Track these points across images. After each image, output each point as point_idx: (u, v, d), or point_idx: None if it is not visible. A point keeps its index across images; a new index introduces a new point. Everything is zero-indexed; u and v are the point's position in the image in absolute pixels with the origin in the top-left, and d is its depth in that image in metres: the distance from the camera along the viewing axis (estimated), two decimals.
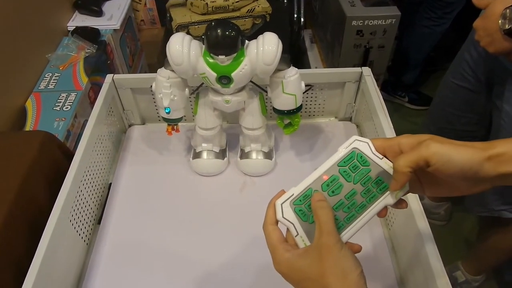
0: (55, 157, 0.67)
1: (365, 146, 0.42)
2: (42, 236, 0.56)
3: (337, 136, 0.88)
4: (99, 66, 1.07)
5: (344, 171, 0.41)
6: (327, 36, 1.56)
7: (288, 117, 0.71)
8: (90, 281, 0.64)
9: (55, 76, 0.97)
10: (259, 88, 0.71)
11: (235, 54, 0.59)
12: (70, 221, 0.63)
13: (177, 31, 1.37)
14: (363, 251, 0.41)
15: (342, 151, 0.42)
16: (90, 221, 0.71)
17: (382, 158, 0.41)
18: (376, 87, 0.81)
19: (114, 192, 0.77)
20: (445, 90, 1.03)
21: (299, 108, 0.69)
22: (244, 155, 0.77)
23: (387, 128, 0.72)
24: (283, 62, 0.63)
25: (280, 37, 1.31)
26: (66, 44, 1.08)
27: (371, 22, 1.25)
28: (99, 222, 0.73)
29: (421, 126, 1.19)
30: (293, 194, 0.41)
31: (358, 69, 0.83)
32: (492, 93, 0.88)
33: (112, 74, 0.82)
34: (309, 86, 0.70)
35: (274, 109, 0.70)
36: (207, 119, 0.72)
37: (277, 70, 0.63)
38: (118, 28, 1.22)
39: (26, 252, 0.51)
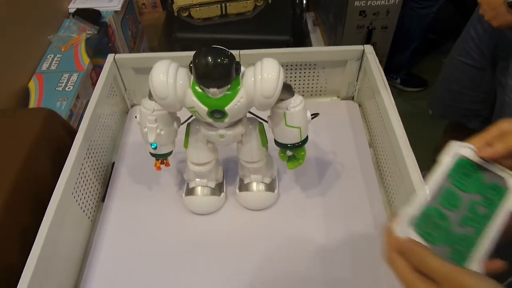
0: (58, 134, 0.67)
1: (469, 151, 0.38)
2: (47, 210, 0.56)
3: (339, 115, 0.88)
4: (100, 48, 1.07)
5: (457, 181, 0.37)
6: (329, 18, 1.55)
7: (291, 150, 0.62)
8: (95, 257, 0.65)
9: (57, 57, 0.97)
10: (258, 119, 0.62)
11: (228, 86, 0.50)
12: (74, 197, 0.64)
13: (178, 13, 1.36)
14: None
15: (446, 160, 0.38)
16: (94, 198, 0.72)
17: (489, 161, 0.38)
18: (379, 65, 0.81)
19: (117, 171, 0.78)
20: (450, 68, 1.02)
21: (304, 141, 0.61)
22: (244, 186, 0.69)
23: (390, 106, 0.71)
24: (285, 90, 0.54)
25: (282, 19, 1.32)
26: (68, 26, 1.08)
27: (374, 3, 1.24)
28: (103, 199, 0.74)
29: (426, 105, 1.19)
30: (411, 215, 0.36)
31: (360, 47, 0.82)
32: (496, 69, 0.87)
33: (114, 54, 0.82)
34: (314, 115, 0.61)
35: (275, 141, 0.62)
36: (200, 153, 0.63)
37: (279, 100, 0.54)
38: (119, 9, 1.22)
39: (32, 226, 0.52)
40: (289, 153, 0.64)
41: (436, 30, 1.87)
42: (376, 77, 0.77)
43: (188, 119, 0.62)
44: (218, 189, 0.70)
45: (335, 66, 0.86)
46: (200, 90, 0.50)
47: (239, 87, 0.51)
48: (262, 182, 0.68)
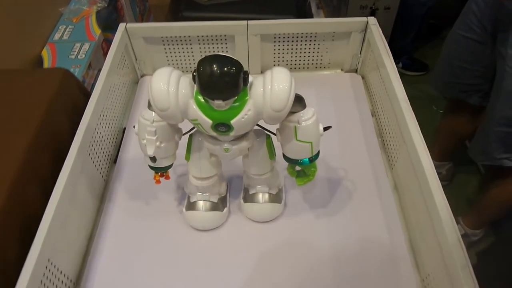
0: (74, 94, 0.70)
1: None
2: (65, 163, 0.59)
3: (343, 87, 0.90)
4: (110, 23, 1.09)
5: None
6: (333, 1, 1.57)
7: (301, 166, 0.58)
8: (108, 214, 0.68)
9: (69, 28, 1.00)
10: (266, 131, 0.58)
11: (235, 97, 0.46)
12: (89, 154, 0.67)
13: None
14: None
15: None
16: (107, 159, 0.75)
17: None
18: (383, 36, 0.83)
19: (128, 136, 0.81)
20: (451, 43, 1.05)
21: (316, 156, 0.56)
22: (249, 197, 0.65)
23: (395, 78, 0.72)
24: (297, 103, 0.49)
25: (285, 2, 1.32)
26: None
27: None
28: (115, 161, 0.77)
29: (427, 88, 1.22)
30: None
31: (363, 19, 0.85)
32: (496, 41, 0.90)
33: (125, 23, 0.85)
34: (327, 128, 0.56)
35: (284, 156, 0.57)
36: (202, 167, 0.59)
37: (290, 112, 0.50)
38: None
39: (51, 178, 0.55)
40: (297, 168, 0.60)
41: (438, 15, 1.89)
42: (380, 48, 0.79)
43: (190, 130, 0.58)
44: (221, 204, 0.65)
45: (339, 38, 0.88)
46: (203, 101, 0.46)
47: (246, 98, 0.46)
48: (268, 192, 0.64)
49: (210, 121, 0.47)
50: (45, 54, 0.93)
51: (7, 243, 0.53)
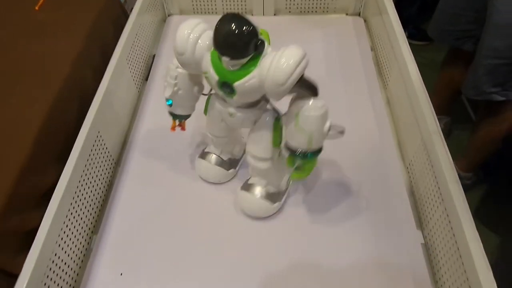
0: (117, 10, 0.83)
1: None
2: (107, 70, 0.71)
3: (345, 30, 1.01)
4: None
5: None
6: None
7: (300, 159, 0.54)
8: (140, 123, 0.80)
9: None
10: (276, 113, 0.57)
11: (243, 60, 0.47)
12: (128, 63, 0.79)
13: None
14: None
15: None
16: (141, 76, 0.87)
17: None
18: None
19: (157, 62, 0.93)
20: None
21: (316, 153, 0.54)
22: (246, 186, 0.64)
23: (395, 22, 0.82)
24: (305, 86, 0.49)
25: None
26: None
27: None
28: (146, 79, 0.90)
29: (429, 32, 1.32)
30: None
31: None
32: None
33: None
34: (340, 131, 0.55)
35: (285, 145, 0.55)
36: (215, 126, 0.62)
37: (298, 98, 0.50)
38: None
39: (100, 64, 0.68)
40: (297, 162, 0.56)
41: None
42: None
43: (211, 90, 0.59)
44: (228, 164, 0.68)
45: None
46: (217, 58, 0.49)
47: (254, 67, 0.47)
48: (265, 188, 0.62)
49: (217, 77, 0.49)
50: None
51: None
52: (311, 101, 0.50)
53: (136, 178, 0.70)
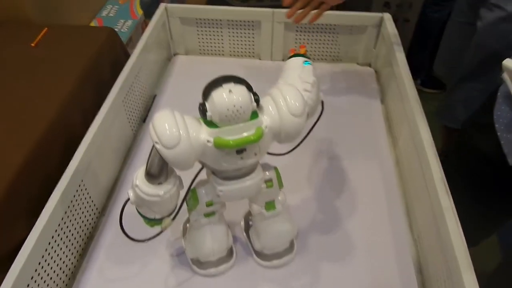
0: (116, 50, 0.80)
1: None
2: (98, 113, 0.67)
3: (356, 80, 0.97)
4: (151, 11, 1.21)
5: None
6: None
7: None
8: (132, 167, 0.76)
9: (115, 8, 1.12)
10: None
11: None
12: (124, 105, 0.76)
13: None
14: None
15: None
16: (137, 117, 0.84)
17: None
18: (396, 33, 0.90)
19: (158, 102, 0.90)
20: (449, 31, 1.13)
21: None
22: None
23: (404, 70, 0.80)
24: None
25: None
26: None
27: None
28: (144, 120, 0.86)
29: (434, 69, 1.30)
30: None
31: (379, 14, 0.93)
32: None
33: (165, 4, 0.95)
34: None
35: None
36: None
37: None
38: None
39: (92, 110, 0.64)
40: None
41: None
42: (394, 44, 0.87)
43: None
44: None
45: (356, 32, 0.96)
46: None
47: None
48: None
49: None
50: (93, 25, 1.05)
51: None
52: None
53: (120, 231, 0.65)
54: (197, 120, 0.45)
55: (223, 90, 0.42)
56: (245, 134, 0.43)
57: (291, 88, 0.47)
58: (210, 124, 0.44)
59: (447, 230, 0.51)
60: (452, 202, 0.54)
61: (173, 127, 0.41)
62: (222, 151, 0.44)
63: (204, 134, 0.43)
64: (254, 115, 0.44)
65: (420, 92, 0.78)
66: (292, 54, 0.59)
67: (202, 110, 0.43)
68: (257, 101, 0.44)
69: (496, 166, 0.69)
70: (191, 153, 0.43)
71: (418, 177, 0.64)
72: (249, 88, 0.44)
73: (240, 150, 0.44)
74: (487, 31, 0.89)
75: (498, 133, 0.66)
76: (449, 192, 0.55)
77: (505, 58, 0.59)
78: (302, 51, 0.59)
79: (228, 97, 0.41)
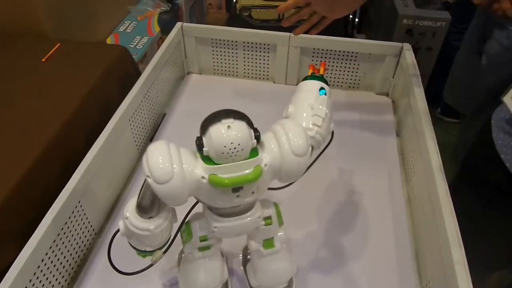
0: (128, 68, 0.80)
1: None
2: (102, 133, 0.66)
3: (372, 109, 0.94)
4: (168, 28, 1.21)
5: None
6: (378, 38, 1.64)
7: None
8: (134, 188, 0.75)
9: (133, 24, 1.13)
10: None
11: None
12: (130, 123, 0.74)
13: (240, 12, 1.50)
14: None
15: None
16: (145, 136, 0.82)
17: None
18: (415, 63, 0.87)
19: (167, 121, 0.88)
20: (459, 59, 1.10)
21: None
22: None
23: (422, 103, 0.75)
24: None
25: (334, 36, 1.34)
26: (146, 1, 1.25)
27: (421, 23, 1.32)
28: (151, 140, 0.84)
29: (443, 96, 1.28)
30: None
31: (398, 44, 0.90)
32: None
33: (182, 22, 0.95)
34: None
35: None
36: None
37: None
38: None
39: (98, 124, 0.63)
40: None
41: None
42: (411, 75, 0.84)
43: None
44: None
45: (374, 61, 0.94)
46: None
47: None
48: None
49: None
50: (109, 41, 1.05)
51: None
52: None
53: (116, 256, 0.63)
54: (193, 154, 0.42)
55: (221, 126, 0.39)
56: (242, 173, 0.40)
57: (294, 125, 0.44)
58: (207, 159, 0.41)
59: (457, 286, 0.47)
60: (464, 255, 0.50)
61: (167, 162, 0.39)
62: (217, 188, 0.41)
63: (199, 170, 0.41)
64: (254, 152, 0.41)
65: (439, 121, 0.75)
66: (310, 71, 0.55)
67: (199, 144, 0.41)
68: (257, 137, 0.41)
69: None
70: (184, 189, 0.40)
71: (430, 223, 0.60)
72: (250, 124, 0.41)
73: (237, 188, 0.42)
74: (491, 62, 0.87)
75: (507, 164, 0.63)
76: (461, 243, 0.51)
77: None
78: (321, 69, 0.55)
79: (226, 133, 0.39)
